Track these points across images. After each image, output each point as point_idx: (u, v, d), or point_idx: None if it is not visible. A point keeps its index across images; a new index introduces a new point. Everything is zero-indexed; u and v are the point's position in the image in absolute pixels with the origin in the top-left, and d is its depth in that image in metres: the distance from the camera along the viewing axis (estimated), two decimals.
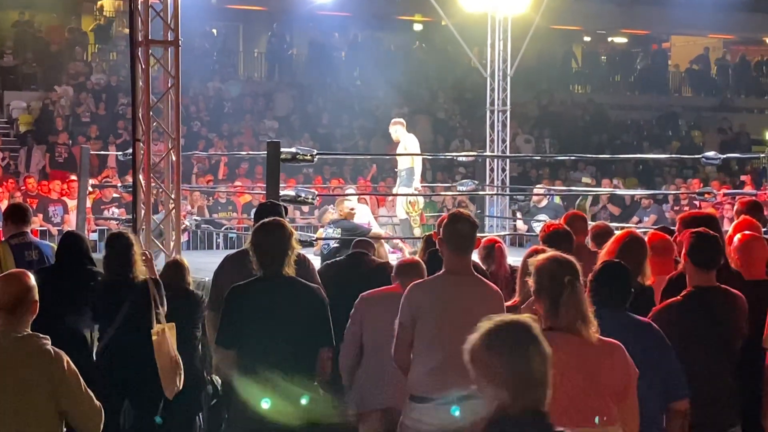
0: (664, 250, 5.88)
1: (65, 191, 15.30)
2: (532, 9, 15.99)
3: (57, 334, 4.46)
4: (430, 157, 18.55)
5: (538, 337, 2.84)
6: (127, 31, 15.37)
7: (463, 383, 3.06)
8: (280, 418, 4.88)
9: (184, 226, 10.50)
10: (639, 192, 17.58)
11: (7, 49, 22.17)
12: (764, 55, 30.73)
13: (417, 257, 6.29)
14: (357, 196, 12.47)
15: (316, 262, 7.53)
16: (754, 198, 8.49)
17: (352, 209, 10.57)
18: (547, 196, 14.55)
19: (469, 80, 23.07)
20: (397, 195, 12.59)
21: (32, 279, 4.34)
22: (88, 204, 13.24)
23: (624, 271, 4.52)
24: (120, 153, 14.09)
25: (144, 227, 8.49)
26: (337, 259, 7.59)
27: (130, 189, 8.97)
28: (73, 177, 14.93)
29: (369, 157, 20.02)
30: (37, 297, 4.31)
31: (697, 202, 15.29)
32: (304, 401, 4.96)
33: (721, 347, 4.98)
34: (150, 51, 8.62)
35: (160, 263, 7.70)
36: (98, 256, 6.78)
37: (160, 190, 8.84)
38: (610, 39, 31.76)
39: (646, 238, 5.76)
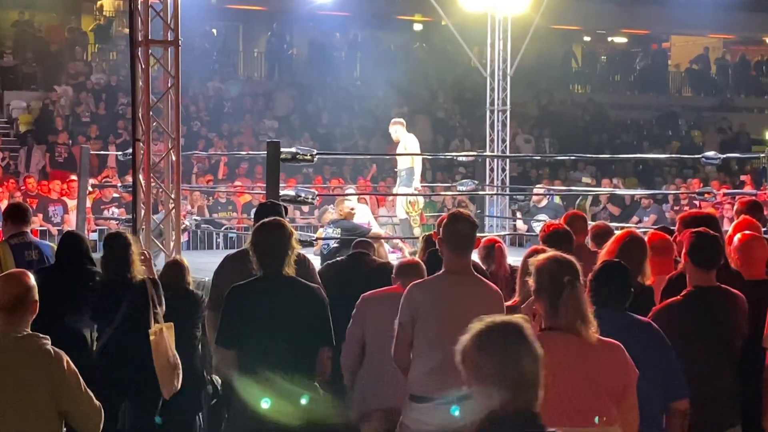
0: (664, 250, 5.88)
1: (65, 191, 15.30)
2: (532, 9, 15.99)
3: (57, 334, 4.46)
4: (430, 157, 18.54)
5: (530, 338, 2.84)
6: (126, 30, 15.38)
7: (463, 383, 3.06)
8: (279, 418, 4.88)
9: (184, 226, 10.50)
10: (639, 192, 17.57)
11: (6, 49, 22.17)
12: (764, 55, 30.73)
13: (417, 258, 6.29)
14: (357, 196, 12.48)
15: (316, 262, 7.53)
16: (754, 198, 8.48)
17: (351, 209, 10.57)
18: (547, 196, 14.54)
19: (469, 80, 23.07)
20: (397, 195, 12.59)
21: (32, 279, 4.34)
22: (88, 204, 13.24)
23: (624, 271, 4.52)
24: (120, 153, 14.09)
25: (144, 227, 8.49)
26: (338, 259, 7.59)
27: (130, 189, 8.96)
28: (73, 177, 14.93)
29: (369, 156, 20.02)
30: (37, 297, 4.31)
31: (696, 202, 15.29)
32: (303, 401, 4.96)
33: (721, 347, 4.98)
34: (150, 51, 8.62)
35: (160, 263, 7.70)
36: (98, 256, 6.78)
37: (160, 190, 8.84)
38: (610, 39, 31.76)
39: (646, 238, 5.76)
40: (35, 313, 4.31)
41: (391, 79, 22.20)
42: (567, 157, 19.53)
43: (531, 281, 4.00)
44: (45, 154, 18.82)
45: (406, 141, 12.02)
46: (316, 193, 10.84)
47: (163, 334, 5.64)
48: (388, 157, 16.20)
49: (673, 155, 21.61)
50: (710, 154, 12.42)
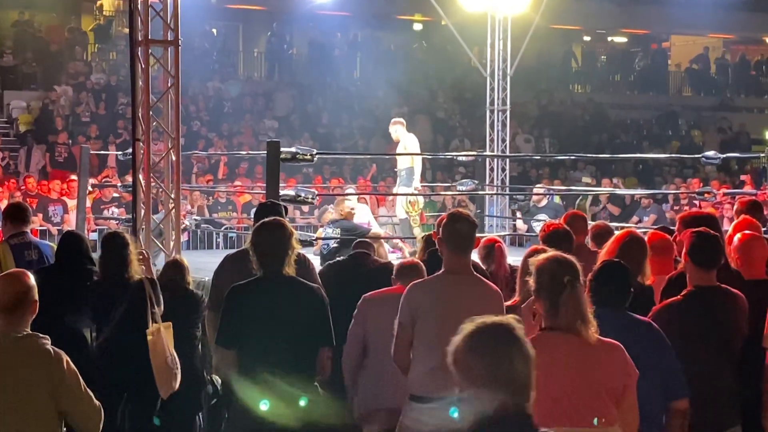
0: (664, 250, 5.88)
1: (65, 191, 15.30)
2: (532, 9, 15.99)
3: (57, 334, 4.46)
4: (430, 157, 18.54)
5: (521, 339, 2.83)
6: (126, 30, 15.38)
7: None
8: (278, 420, 4.88)
9: (184, 225, 10.50)
10: (639, 192, 17.57)
11: (6, 49, 22.17)
12: (764, 55, 30.72)
13: (417, 258, 6.29)
14: (357, 196, 12.48)
15: (316, 262, 7.53)
16: (753, 198, 8.48)
17: (351, 209, 10.56)
18: (547, 196, 14.54)
19: (469, 80, 23.06)
20: (397, 195, 12.59)
21: (32, 279, 4.34)
22: (88, 204, 13.23)
23: (624, 271, 4.52)
24: (120, 153, 14.08)
25: (144, 227, 8.49)
26: (339, 259, 7.59)
27: (130, 189, 8.96)
28: (73, 177, 14.93)
29: (369, 156, 20.02)
30: (36, 297, 4.31)
31: (696, 202, 15.29)
32: (302, 402, 4.95)
33: (721, 347, 4.98)
34: (150, 51, 8.61)
35: (160, 263, 7.70)
36: (98, 255, 6.77)
37: (160, 189, 8.84)
38: (609, 38, 31.76)
39: (645, 238, 5.76)
40: (35, 313, 4.31)
41: (391, 79, 22.20)
42: (567, 157, 19.54)
43: (531, 281, 3.99)
44: (45, 154, 18.83)
45: (406, 141, 12.02)
46: (316, 193, 10.84)
47: (161, 333, 5.62)
48: (388, 156, 16.20)
49: (673, 155, 21.61)
50: (710, 153, 12.42)
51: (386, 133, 13.65)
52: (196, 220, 13.63)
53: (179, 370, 5.68)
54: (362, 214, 11.75)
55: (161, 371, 5.62)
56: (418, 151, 12.31)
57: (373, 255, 7.15)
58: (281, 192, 9.40)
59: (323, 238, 10.26)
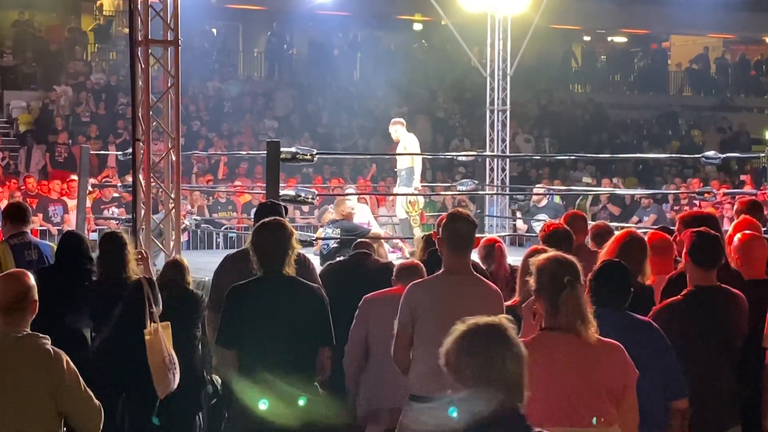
0: (664, 250, 5.88)
1: (65, 191, 15.30)
2: (532, 8, 15.99)
3: (57, 334, 4.46)
4: (430, 157, 18.54)
5: (513, 339, 2.82)
6: (126, 30, 15.37)
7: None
8: (278, 419, 4.88)
9: (184, 225, 10.49)
10: (639, 191, 17.57)
11: (6, 49, 22.17)
12: (764, 55, 30.72)
13: (416, 260, 6.29)
14: (357, 196, 12.47)
15: (316, 262, 7.53)
16: (753, 197, 8.48)
17: (351, 209, 10.56)
18: (547, 196, 14.54)
19: (469, 80, 23.06)
20: (396, 195, 12.59)
21: (32, 279, 4.34)
22: (88, 204, 13.23)
23: (624, 271, 4.52)
24: (120, 153, 14.08)
25: (144, 227, 8.48)
26: (340, 258, 7.59)
27: (130, 189, 8.95)
28: (73, 177, 14.92)
29: (369, 156, 20.02)
30: (36, 297, 4.31)
31: (696, 202, 15.29)
32: (301, 402, 4.95)
33: (722, 347, 4.98)
34: (150, 50, 8.61)
35: (160, 263, 7.69)
36: (96, 256, 6.77)
37: (160, 189, 8.83)
38: (609, 38, 31.75)
39: (645, 238, 5.76)
40: (35, 312, 4.31)
41: (390, 79, 22.19)
42: (567, 157, 19.54)
43: (531, 281, 3.99)
44: (45, 154, 18.83)
45: (406, 141, 12.02)
46: (316, 192, 10.84)
47: (159, 333, 5.61)
48: (388, 156, 16.20)
49: (673, 155, 21.61)
50: (710, 153, 12.41)
51: (386, 133, 13.65)
52: (196, 220, 13.63)
53: (178, 370, 5.67)
54: (362, 214, 11.75)
55: (158, 371, 5.61)
56: (418, 151, 12.31)
57: (373, 255, 7.14)
58: (281, 192, 9.40)
59: (323, 238, 10.26)
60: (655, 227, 8.38)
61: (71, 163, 17.56)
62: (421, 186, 13.23)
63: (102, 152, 17.74)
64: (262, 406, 4.88)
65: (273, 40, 25.38)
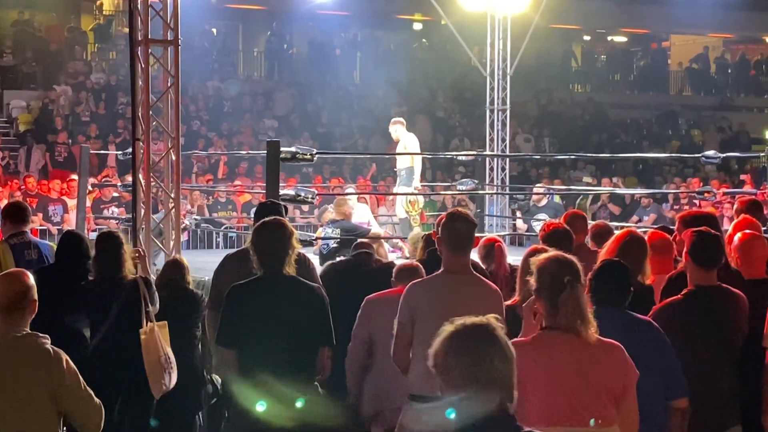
0: (664, 249, 5.88)
1: (65, 190, 15.30)
2: (532, 8, 15.99)
3: (56, 334, 4.47)
4: (430, 157, 18.54)
5: (501, 339, 2.80)
6: (126, 30, 15.38)
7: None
8: (278, 419, 4.88)
9: (183, 225, 10.49)
10: (639, 191, 17.56)
11: (6, 49, 22.17)
12: (764, 54, 30.72)
13: (416, 261, 6.29)
14: (357, 196, 12.48)
15: (315, 262, 7.53)
16: (753, 197, 8.48)
17: (351, 209, 10.56)
18: (547, 196, 14.54)
19: (469, 79, 23.05)
20: (396, 194, 12.59)
21: (31, 278, 4.34)
22: (88, 203, 13.23)
23: (624, 270, 4.52)
24: (120, 152, 14.09)
25: (144, 226, 8.48)
26: (341, 258, 7.58)
27: (130, 188, 8.95)
28: (73, 176, 14.93)
29: (369, 156, 20.02)
30: (36, 296, 4.31)
31: (696, 201, 15.30)
32: (299, 404, 4.95)
33: (722, 346, 4.98)
34: (150, 50, 8.61)
35: (160, 263, 7.69)
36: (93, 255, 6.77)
37: (160, 189, 8.83)
38: (609, 38, 31.74)
39: (645, 237, 5.76)
40: (35, 312, 4.31)
41: (390, 79, 22.20)
42: (567, 157, 19.55)
43: (531, 281, 3.99)
44: (45, 154, 18.84)
45: (405, 140, 12.02)
46: (316, 192, 10.84)
47: (155, 333, 5.61)
48: (387, 156, 16.20)
49: (673, 154, 21.60)
50: (710, 153, 12.41)
51: (386, 133, 13.65)
52: (196, 219, 13.63)
53: (175, 369, 5.66)
54: (362, 214, 11.75)
55: (154, 371, 5.60)
56: (418, 151, 12.31)
57: (374, 255, 7.14)
58: (281, 191, 9.40)
59: (323, 238, 10.25)
60: (655, 227, 8.37)
61: (71, 163, 17.56)
62: (421, 185, 13.23)
63: (102, 152, 17.75)
64: (260, 407, 4.88)
65: (273, 40, 25.38)
